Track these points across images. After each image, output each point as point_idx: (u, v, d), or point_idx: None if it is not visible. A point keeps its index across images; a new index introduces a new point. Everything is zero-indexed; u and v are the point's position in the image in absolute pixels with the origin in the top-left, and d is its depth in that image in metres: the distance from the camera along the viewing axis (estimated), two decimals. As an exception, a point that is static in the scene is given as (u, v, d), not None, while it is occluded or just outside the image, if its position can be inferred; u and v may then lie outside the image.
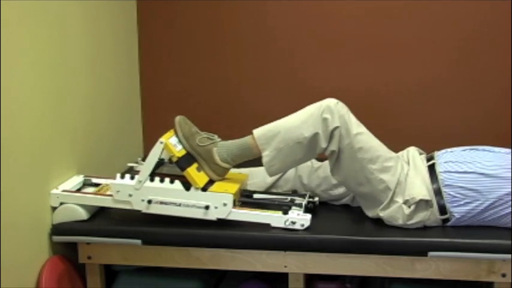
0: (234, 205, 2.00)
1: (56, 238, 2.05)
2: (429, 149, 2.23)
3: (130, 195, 2.01)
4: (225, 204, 1.97)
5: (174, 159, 1.99)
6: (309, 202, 2.10)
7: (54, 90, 2.09)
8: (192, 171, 1.99)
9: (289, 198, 2.14)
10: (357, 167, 2.00)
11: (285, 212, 1.99)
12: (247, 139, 2.05)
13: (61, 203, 2.06)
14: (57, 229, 2.05)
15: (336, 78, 2.74)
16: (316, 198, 2.16)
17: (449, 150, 2.13)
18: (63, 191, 2.07)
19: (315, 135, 1.98)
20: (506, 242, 1.91)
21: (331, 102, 2.01)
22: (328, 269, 2.01)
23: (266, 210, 2.03)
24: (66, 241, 2.06)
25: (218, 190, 2.00)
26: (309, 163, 2.21)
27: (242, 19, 2.76)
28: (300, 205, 2.05)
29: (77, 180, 2.19)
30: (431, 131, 2.73)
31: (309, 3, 2.71)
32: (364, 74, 2.73)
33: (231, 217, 1.99)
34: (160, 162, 2.11)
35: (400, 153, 2.19)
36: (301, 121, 2.00)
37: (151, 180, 2.01)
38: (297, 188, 2.22)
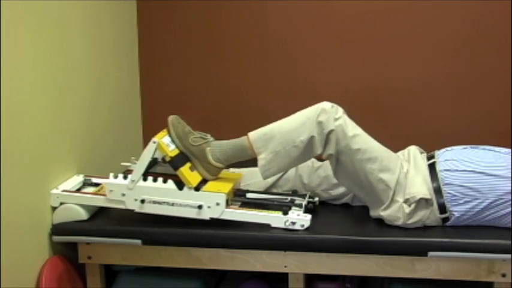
0: (228, 204, 2.00)
1: (56, 238, 2.05)
2: (429, 148, 2.23)
3: (123, 195, 2.01)
4: (218, 204, 1.97)
5: (168, 159, 1.99)
6: (309, 202, 2.10)
7: (54, 90, 2.09)
8: (185, 171, 1.99)
9: (289, 198, 2.14)
10: (357, 168, 2.00)
11: (285, 213, 1.99)
12: (242, 140, 2.05)
13: (61, 203, 2.06)
14: (57, 229, 2.05)
15: (336, 78, 2.74)
16: (316, 199, 2.16)
17: (449, 148, 2.13)
18: (63, 191, 2.07)
19: (311, 139, 1.98)
20: (506, 242, 1.91)
21: (326, 105, 2.01)
22: (328, 269, 2.01)
23: (266, 211, 2.02)
24: (66, 241, 2.06)
25: (211, 189, 2.00)
26: (309, 163, 2.21)
27: (242, 19, 2.76)
28: (300, 205, 2.05)
29: (77, 180, 2.19)
30: (431, 131, 2.73)
31: (309, 3, 2.71)
32: (364, 74, 2.73)
33: (228, 217, 1.99)
34: (153, 162, 2.11)
35: (401, 152, 2.20)
36: (298, 124, 2.00)
37: (145, 179, 2.01)
38: (297, 187, 2.22)
